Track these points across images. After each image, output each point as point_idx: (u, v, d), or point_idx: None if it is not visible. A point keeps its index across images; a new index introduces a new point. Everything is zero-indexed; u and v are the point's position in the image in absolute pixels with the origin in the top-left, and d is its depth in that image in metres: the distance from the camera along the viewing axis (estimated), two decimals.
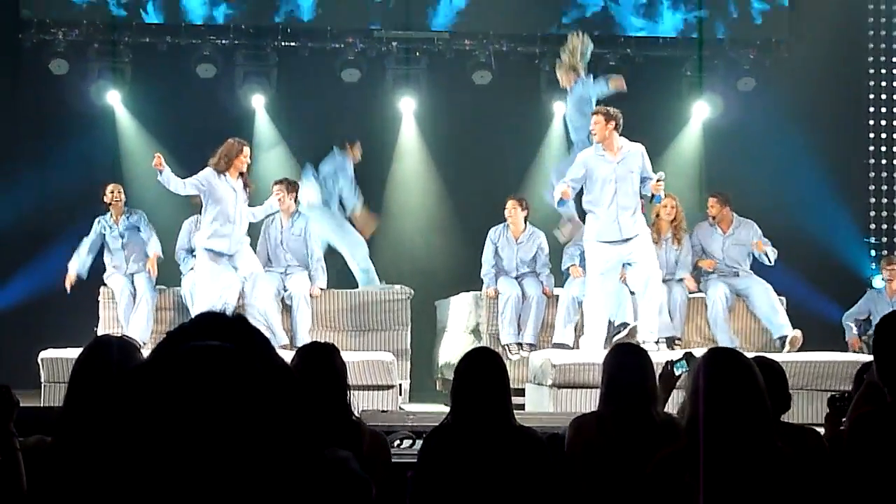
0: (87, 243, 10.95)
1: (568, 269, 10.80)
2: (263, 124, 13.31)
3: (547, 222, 11.25)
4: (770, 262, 10.86)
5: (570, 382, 9.33)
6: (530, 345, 10.69)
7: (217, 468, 1.65)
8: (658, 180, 9.79)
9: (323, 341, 4.81)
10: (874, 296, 11.55)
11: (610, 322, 10.04)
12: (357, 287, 11.49)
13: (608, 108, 10.05)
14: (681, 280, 10.85)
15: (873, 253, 13.39)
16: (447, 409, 4.75)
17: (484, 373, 4.63)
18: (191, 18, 13.15)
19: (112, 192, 11.01)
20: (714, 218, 11.03)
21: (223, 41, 13.26)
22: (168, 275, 11.19)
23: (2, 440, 3.81)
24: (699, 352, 5.26)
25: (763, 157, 13.09)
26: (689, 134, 13.64)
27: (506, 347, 10.63)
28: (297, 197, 11.06)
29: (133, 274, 10.91)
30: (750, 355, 4.04)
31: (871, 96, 13.92)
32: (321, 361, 4.55)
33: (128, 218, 11.04)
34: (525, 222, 11.11)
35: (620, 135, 9.95)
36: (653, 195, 9.87)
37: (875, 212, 13.79)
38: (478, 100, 13.25)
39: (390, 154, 13.56)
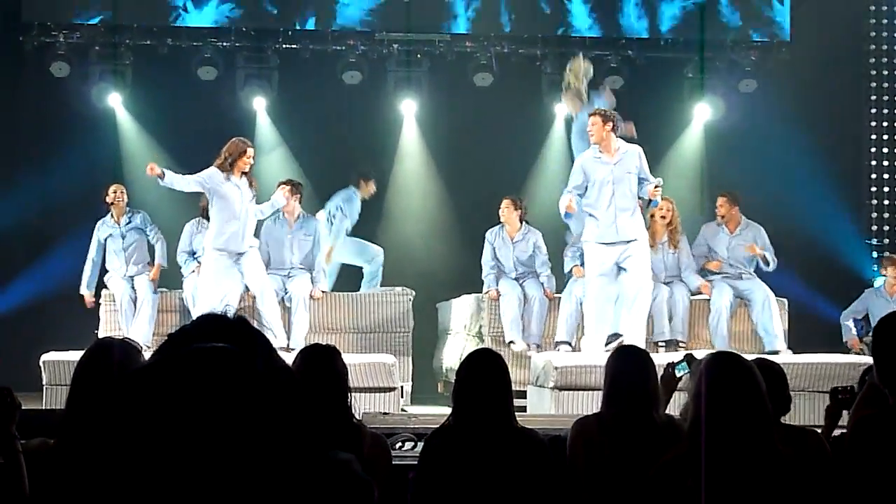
0: (89, 262, 10.96)
1: (571, 270, 10.81)
2: (264, 127, 13.31)
3: (546, 222, 11.25)
4: (768, 267, 10.86)
5: (572, 384, 9.32)
6: (536, 345, 10.69)
7: (219, 470, 1.65)
8: (656, 186, 9.78)
9: (324, 343, 4.81)
10: (873, 294, 11.54)
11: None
12: (357, 289, 11.51)
13: (604, 109, 10.05)
14: (682, 282, 10.85)
15: (874, 254, 13.38)
16: (449, 411, 4.75)
17: (485, 374, 4.63)
18: (192, 21, 13.15)
19: (115, 193, 11.01)
20: (723, 217, 11.03)
21: (224, 44, 13.26)
22: (169, 277, 11.19)
23: (4, 443, 3.81)
24: (700, 354, 5.27)
25: (764, 159, 13.09)
26: (690, 135, 13.64)
27: (511, 343, 10.64)
28: (301, 199, 11.10)
29: (133, 277, 10.91)
30: (750, 357, 4.04)
31: (873, 97, 13.91)
32: (322, 363, 4.55)
33: (129, 219, 11.04)
34: (521, 222, 11.13)
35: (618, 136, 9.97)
36: (650, 200, 9.87)
37: (876, 213, 13.79)
38: (479, 102, 13.24)
39: (391, 156, 13.57)
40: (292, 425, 1.74)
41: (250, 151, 10.26)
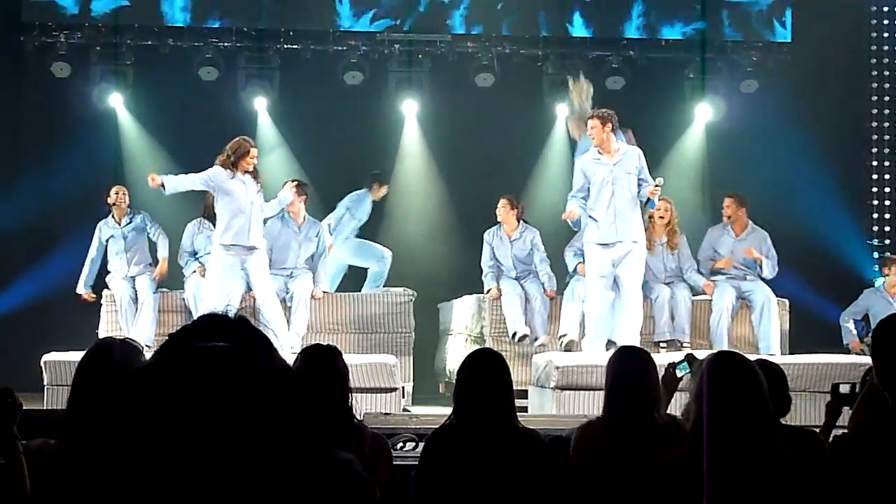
0: (88, 261, 10.97)
1: (575, 268, 10.83)
2: (266, 127, 13.31)
3: (548, 222, 11.26)
4: (765, 273, 10.85)
5: (573, 384, 9.33)
6: (541, 344, 10.69)
7: (220, 469, 1.65)
8: (656, 185, 9.78)
9: (325, 343, 4.81)
10: (872, 294, 11.53)
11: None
12: (359, 289, 11.51)
13: (602, 110, 10.04)
14: (683, 282, 10.85)
15: (876, 255, 13.37)
16: (450, 412, 4.74)
17: (486, 374, 4.63)
18: (193, 21, 13.15)
19: (117, 194, 11.02)
20: (729, 218, 11.02)
21: (225, 44, 13.26)
22: (171, 277, 11.20)
23: (5, 443, 3.81)
24: (701, 354, 5.26)
25: (766, 159, 13.08)
26: (691, 136, 13.64)
27: (514, 334, 10.65)
28: (306, 200, 11.14)
29: (134, 277, 10.91)
30: (749, 357, 4.04)
31: (874, 98, 13.90)
32: (323, 364, 4.55)
33: (130, 220, 11.04)
34: (518, 221, 11.17)
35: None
36: (648, 199, 9.87)
37: (878, 214, 13.78)
38: (480, 102, 13.24)
39: (393, 157, 13.56)
40: (293, 425, 1.74)
41: (254, 152, 10.26)
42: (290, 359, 4.44)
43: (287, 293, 10.73)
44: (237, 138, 10.31)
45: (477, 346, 10.91)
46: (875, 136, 13.86)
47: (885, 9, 13.94)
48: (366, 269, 11.87)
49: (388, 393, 9.67)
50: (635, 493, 4.43)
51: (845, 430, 4.22)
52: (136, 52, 13.10)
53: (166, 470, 1.64)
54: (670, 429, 4.60)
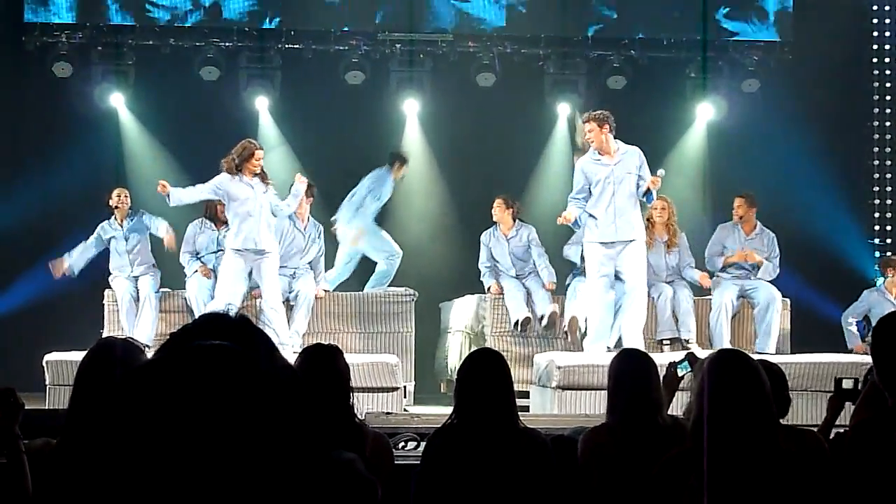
0: (82, 244, 10.95)
1: (577, 264, 10.88)
2: (267, 127, 13.31)
3: (549, 221, 11.27)
4: (763, 276, 10.86)
5: (575, 384, 9.33)
6: (549, 320, 10.68)
7: (221, 468, 1.65)
8: (657, 176, 9.80)
9: (326, 343, 4.81)
10: (873, 294, 11.53)
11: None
12: (361, 288, 11.52)
13: (597, 112, 10.03)
14: (683, 280, 10.87)
15: (877, 254, 13.37)
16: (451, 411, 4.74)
17: (487, 374, 4.63)
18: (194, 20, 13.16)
19: (118, 196, 11.02)
20: (741, 218, 11.04)
21: (227, 44, 13.26)
22: (172, 278, 11.20)
23: (7, 443, 3.81)
24: (701, 353, 5.26)
25: (767, 159, 13.08)
26: (693, 135, 13.63)
27: (516, 323, 10.67)
28: (312, 201, 11.17)
29: (137, 277, 10.91)
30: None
31: (876, 97, 13.90)
32: (324, 363, 4.55)
33: (131, 220, 11.04)
34: (514, 219, 11.20)
35: (615, 137, 9.98)
36: (648, 190, 9.85)
37: (879, 213, 13.78)
38: (482, 102, 13.24)
39: None
40: (294, 424, 1.74)
41: (259, 153, 10.29)
42: (291, 358, 4.46)
43: (291, 292, 10.74)
44: (242, 141, 10.35)
45: (477, 345, 10.95)
46: (876, 136, 13.86)
47: (887, 8, 13.93)
48: (371, 265, 11.86)
49: (389, 392, 9.68)
50: (640, 496, 4.43)
51: (847, 428, 4.22)
52: (137, 52, 13.10)
53: (166, 469, 1.64)
54: (673, 430, 4.60)
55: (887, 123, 13.85)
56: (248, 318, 1.97)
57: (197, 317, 2.06)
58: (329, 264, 11.50)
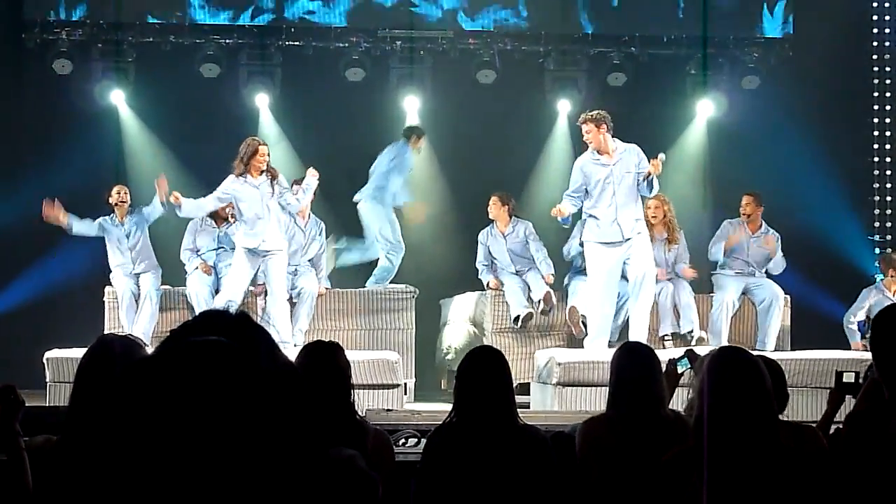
0: (88, 220, 10.94)
1: (575, 262, 10.91)
2: (267, 124, 13.30)
3: (550, 219, 11.27)
4: (772, 268, 10.92)
5: (575, 381, 9.35)
6: (548, 294, 10.68)
7: (217, 464, 1.65)
8: (657, 159, 9.81)
9: (327, 340, 4.81)
10: (873, 291, 11.52)
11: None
12: (362, 285, 11.52)
13: (593, 113, 10.02)
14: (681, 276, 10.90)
15: (877, 251, 13.37)
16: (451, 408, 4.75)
17: (487, 372, 4.63)
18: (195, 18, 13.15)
19: (118, 193, 11.01)
20: (748, 216, 11.05)
21: (227, 41, 13.25)
22: (173, 275, 11.20)
23: (7, 440, 3.81)
24: (701, 350, 5.26)
25: (768, 155, 13.07)
26: (693, 132, 13.63)
27: (517, 318, 10.68)
28: (314, 198, 11.18)
29: (138, 274, 10.91)
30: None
31: (876, 94, 13.89)
32: (325, 360, 4.55)
33: (132, 217, 11.03)
34: (510, 216, 11.23)
35: (614, 137, 9.98)
36: (649, 178, 9.84)
37: (879, 209, 13.78)
38: (482, 99, 13.24)
39: None
40: (293, 421, 1.74)
41: (262, 149, 10.30)
42: (293, 356, 4.46)
43: (293, 289, 10.75)
44: (245, 140, 10.38)
45: (477, 333, 10.98)
46: (876, 132, 13.85)
47: (887, 4, 13.92)
48: (366, 266, 11.86)
49: (389, 389, 9.68)
50: (641, 489, 4.43)
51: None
52: (137, 49, 13.09)
53: (163, 464, 1.64)
54: (675, 425, 4.60)
55: (887, 120, 13.85)
56: (248, 315, 1.97)
57: (197, 314, 2.06)
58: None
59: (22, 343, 11.52)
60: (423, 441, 5.05)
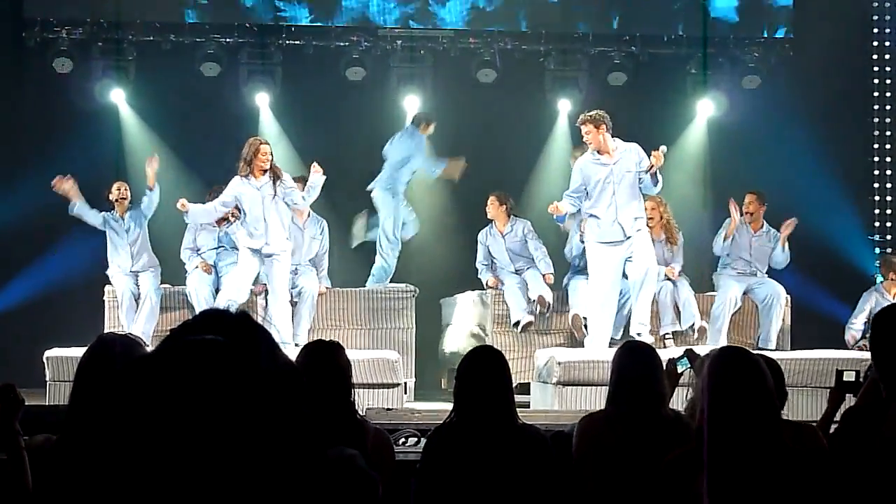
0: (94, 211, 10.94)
1: (575, 261, 10.92)
2: (267, 123, 13.30)
3: (549, 218, 11.28)
4: (777, 257, 10.96)
5: (576, 380, 9.35)
6: (542, 304, 10.68)
7: (215, 463, 1.64)
8: (659, 151, 9.81)
9: (328, 339, 4.81)
10: (872, 294, 11.52)
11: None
12: (362, 285, 11.52)
13: (593, 113, 10.01)
14: (681, 274, 10.90)
15: (877, 251, 13.37)
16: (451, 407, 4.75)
17: (486, 372, 4.63)
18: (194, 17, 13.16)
19: (119, 190, 11.01)
20: (751, 214, 11.06)
21: (227, 39, 13.25)
22: (173, 274, 11.20)
23: (7, 439, 3.81)
24: (700, 349, 5.25)
25: (768, 155, 13.07)
26: (693, 132, 13.63)
27: (517, 323, 10.69)
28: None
29: (138, 273, 10.90)
30: None
31: (876, 94, 13.90)
32: (325, 359, 4.55)
33: (131, 214, 11.02)
34: (508, 215, 11.23)
35: (614, 137, 9.98)
36: (651, 167, 9.84)
37: (880, 209, 13.78)
38: (482, 98, 13.24)
39: None
40: (292, 420, 1.74)
41: (264, 149, 10.28)
42: (294, 355, 4.45)
43: (294, 289, 10.75)
44: (247, 141, 10.38)
45: (480, 334, 10.98)
46: (877, 132, 13.86)
47: (888, 4, 13.92)
48: (366, 260, 11.85)
49: (389, 388, 9.69)
50: (641, 488, 4.43)
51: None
52: (137, 48, 13.09)
53: (161, 463, 1.64)
54: (676, 424, 4.60)
55: (887, 120, 13.85)
56: (248, 315, 1.97)
57: (197, 313, 2.05)
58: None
59: (22, 342, 11.52)
60: (423, 440, 5.05)
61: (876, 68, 13.93)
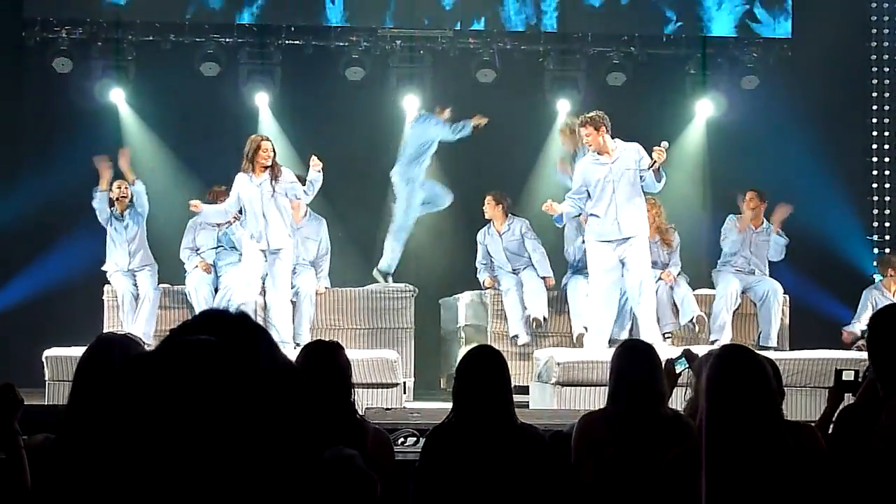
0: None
1: (573, 263, 10.93)
2: (267, 123, 13.29)
3: (549, 219, 11.28)
4: (772, 249, 10.97)
5: (575, 380, 9.35)
6: (537, 319, 10.66)
7: (212, 463, 1.65)
8: (661, 147, 9.81)
9: (327, 339, 4.82)
10: (873, 293, 11.53)
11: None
12: (363, 284, 11.52)
13: (592, 115, 10.01)
14: (680, 274, 10.90)
15: (876, 251, 13.38)
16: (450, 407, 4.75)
17: (485, 371, 4.63)
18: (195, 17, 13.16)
19: (119, 188, 11.02)
20: (753, 211, 11.08)
21: (227, 39, 13.25)
22: (172, 273, 11.20)
23: (6, 439, 3.81)
24: (698, 349, 5.25)
25: (767, 155, 13.08)
26: (692, 132, 13.63)
27: (515, 337, 10.69)
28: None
29: (136, 272, 10.90)
30: None
31: (875, 94, 13.90)
32: (325, 359, 4.56)
33: (130, 212, 11.02)
34: (505, 214, 11.23)
35: (614, 137, 9.98)
36: (653, 163, 9.84)
37: (878, 209, 13.78)
38: (482, 98, 13.23)
39: (394, 152, 13.53)
40: (292, 420, 1.74)
41: (265, 145, 10.29)
42: (294, 355, 4.46)
43: (292, 288, 10.75)
44: (249, 138, 10.39)
45: (477, 342, 10.96)
46: (875, 132, 13.86)
47: (886, 5, 13.92)
48: (365, 263, 11.86)
49: (389, 388, 9.69)
50: (640, 486, 4.43)
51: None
52: (137, 48, 13.09)
53: (158, 463, 1.64)
54: (675, 424, 4.60)
55: (886, 120, 13.85)
56: (247, 315, 1.98)
57: (197, 312, 2.06)
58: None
59: (21, 341, 11.52)
60: (422, 440, 5.05)
61: (875, 68, 13.93)
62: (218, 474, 1.66)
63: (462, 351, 11.54)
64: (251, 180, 10.21)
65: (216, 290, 10.75)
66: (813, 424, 4.74)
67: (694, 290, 10.92)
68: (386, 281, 11.44)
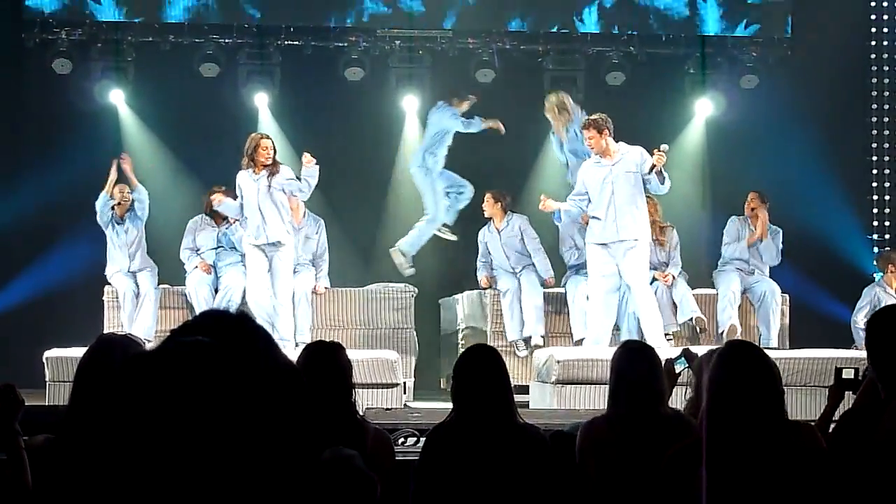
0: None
1: (573, 264, 10.92)
2: (266, 123, 13.29)
3: (549, 219, 11.29)
4: (767, 253, 10.96)
5: (574, 379, 9.34)
6: (537, 345, 10.68)
7: (210, 463, 1.65)
8: (661, 150, 9.80)
9: (328, 340, 4.82)
10: (874, 289, 11.53)
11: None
12: (362, 285, 11.52)
13: (595, 118, 10.01)
14: (680, 273, 10.89)
15: (876, 249, 13.38)
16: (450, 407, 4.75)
17: (483, 370, 4.63)
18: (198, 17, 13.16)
19: (121, 192, 11.03)
20: (753, 210, 11.08)
21: (226, 40, 13.25)
22: (172, 274, 11.20)
23: (7, 439, 3.81)
24: (698, 349, 5.26)
25: (766, 154, 13.08)
26: (692, 131, 13.63)
27: (513, 344, 10.70)
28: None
29: (136, 273, 10.91)
30: None
31: (875, 93, 13.90)
32: (326, 359, 4.56)
33: (130, 216, 11.02)
34: (504, 212, 11.23)
35: (616, 140, 9.99)
36: (653, 167, 9.84)
37: (878, 208, 13.79)
38: (481, 98, 13.22)
39: (393, 153, 13.56)
40: (291, 420, 1.74)
41: (265, 143, 10.32)
42: (295, 355, 4.46)
43: None
44: (250, 135, 10.44)
45: (477, 342, 10.95)
46: (875, 131, 13.86)
47: (885, 4, 13.93)
48: (364, 263, 11.86)
49: (389, 388, 9.69)
50: (642, 487, 4.43)
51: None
52: (137, 49, 13.09)
53: (156, 463, 1.65)
54: (676, 423, 4.61)
55: (886, 119, 13.85)
56: (247, 315, 1.98)
57: (197, 313, 2.06)
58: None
59: (21, 342, 11.52)
60: (423, 440, 5.06)
61: (874, 68, 13.93)
62: (217, 474, 1.66)
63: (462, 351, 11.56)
64: (250, 176, 10.25)
65: (216, 291, 10.75)
66: (813, 424, 4.74)
67: (694, 289, 10.92)
68: (404, 261, 11.36)
